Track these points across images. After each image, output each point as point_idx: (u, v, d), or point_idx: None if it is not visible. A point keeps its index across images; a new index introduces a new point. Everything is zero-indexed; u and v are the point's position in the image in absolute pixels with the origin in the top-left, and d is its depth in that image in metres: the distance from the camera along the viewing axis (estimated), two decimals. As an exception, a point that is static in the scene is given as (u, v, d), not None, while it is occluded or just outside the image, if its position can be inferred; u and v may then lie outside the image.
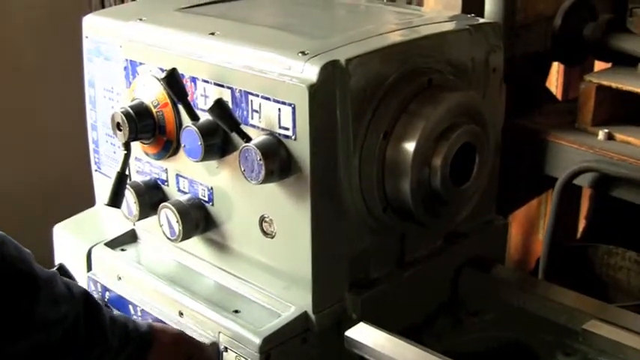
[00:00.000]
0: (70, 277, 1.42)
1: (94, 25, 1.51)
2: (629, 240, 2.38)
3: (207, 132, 1.23)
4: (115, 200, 1.34)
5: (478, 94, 1.33)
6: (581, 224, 2.73)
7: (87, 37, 1.52)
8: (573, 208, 2.68)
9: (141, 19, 1.41)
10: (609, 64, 2.17)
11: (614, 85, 1.83)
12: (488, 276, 1.41)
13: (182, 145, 1.26)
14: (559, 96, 2.72)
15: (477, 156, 1.24)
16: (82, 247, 1.51)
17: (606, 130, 1.86)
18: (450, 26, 1.35)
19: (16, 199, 3.25)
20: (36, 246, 1.58)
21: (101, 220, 1.58)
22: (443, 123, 1.18)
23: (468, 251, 1.44)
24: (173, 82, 1.23)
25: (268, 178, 1.16)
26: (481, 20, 1.38)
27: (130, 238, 1.51)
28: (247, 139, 1.18)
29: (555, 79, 2.82)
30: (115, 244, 1.49)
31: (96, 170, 1.60)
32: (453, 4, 1.83)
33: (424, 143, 1.16)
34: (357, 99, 1.16)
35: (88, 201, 1.64)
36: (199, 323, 1.28)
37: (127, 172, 1.35)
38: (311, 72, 1.13)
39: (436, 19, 1.37)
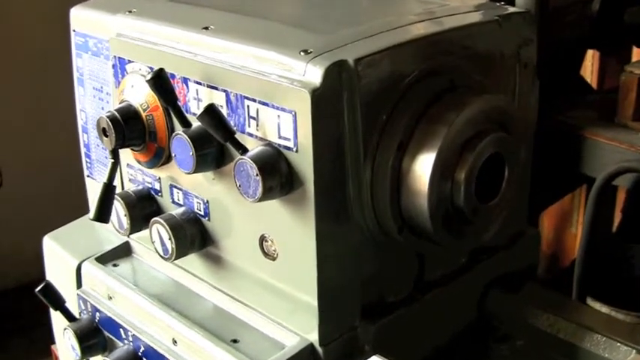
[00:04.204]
0: (58, 296, 1.30)
1: (81, 18, 1.37)
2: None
3: (199, 140, 1.09)
4: (102, 215, 1.21)
5: (507, 95, 1.18)
6: (617, 217, 2.57)
7: (74, 30, 1.39)
8: (609, 200, 2.52)
9: (130, 12, 1.27)
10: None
11: (658, 76, 1.67)
12: (518, 297, 1.26)
13: (173, 154, 1.12)
14: (594, 84, 2.55)
15: (506, 169, 1.08)
16: (72, 262, 1.38)
17: (649, 126, 1.70)
18: (475, 17, 1.19)
19: (20, 201, 3.17)
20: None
21: (94, 230, 1.45)
22: (468, 131, 1.03)
23: (496, 268, 1.29)
24: (161, 84, 1.09)
25: (267, 195, 1.01)
26: (511, 9, 1.22)
27: (124, 251, 1.37)
28: (243, 150, 1.03)
29: (590, 64, 2.65)
30: (106, 258, 1.36)
31: (88, 176, 1.47)
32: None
33: (446, 154, 1.01)
34: (367, 104, 1.01)
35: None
36: (194, 353, 1.15)
37: (114, 183, 1.22)
38: (314, 74, 0.98)
39: (460, 9, 1.21)
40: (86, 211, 1.52)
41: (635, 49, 2.12)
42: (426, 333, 1.20)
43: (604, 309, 1.90)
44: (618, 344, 1.13)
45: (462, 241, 1.09)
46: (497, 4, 1.26)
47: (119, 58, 1.24)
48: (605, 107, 1.86)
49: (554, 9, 1.85)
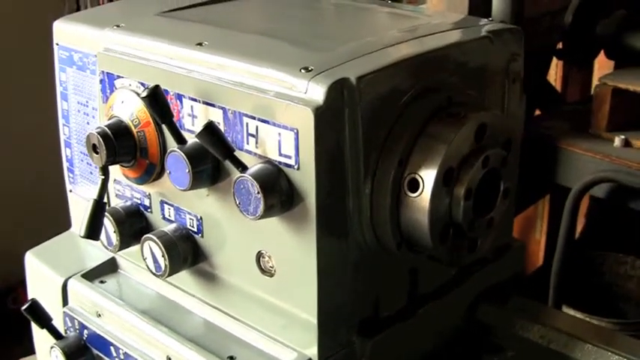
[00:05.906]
0: (44, 314, 1.28)
1: (65, 31, 1.35)
2: (631, 240, 2.27)
3: (195, 158, 1.08)
4: (92, 232, 1.19)
5: (498, 110, 1.19)
6: (580, 222, 2.62)
7: (57, 44, 1.36)
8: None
9: (118, 26, 1.26)
10: (611, 62, 2.05)
11: (632, 87, 1.71)
12: (507, 308, 1.28)
13: (167, 171, 1.11)
14: (558, 88, 2.60)
15: (502, 183, 1.10)
16: (57, 279, 1.36)
17: (622, 137, 1.74)
18: (467, 34, 1.20)
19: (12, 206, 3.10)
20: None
21: (78, 246, 1.43)
22: (466, 147, 1.04)
23: (485, 279, 1.31)
24: (156, 101, 1.08)
25: (268, 213, 1.01)
26: (501, 26, 1.24)
27: (111, 267, 1.35)
28: (243, 167, 1.03)
29: (554, 72, 2.70)
30: (93, 275, 1.34)
31: (70, 191, 1.45)
32: (457, 3, 1.70)
33: (446, 171, 1.02)
34: (368, 121, 1.01)
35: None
36: (190, 371, 1.14)
37: (104, 200, 1.20)
38: (317, 92, 0.98)
39: (448, 25, 1.22)
40: (67, 225, 1.50)
41: (597, 59, 2.16)
42: (420, 345, 1.21)
43: (578, 315, 1.94)
44: (609, 353, 1.15)
45: (459, 255, 1.10)
46: (486, 20, 1.28)
47: (107, 73, 1.23)
48: (577, 118, 1.90)
49: (527, 19, 1.89)
